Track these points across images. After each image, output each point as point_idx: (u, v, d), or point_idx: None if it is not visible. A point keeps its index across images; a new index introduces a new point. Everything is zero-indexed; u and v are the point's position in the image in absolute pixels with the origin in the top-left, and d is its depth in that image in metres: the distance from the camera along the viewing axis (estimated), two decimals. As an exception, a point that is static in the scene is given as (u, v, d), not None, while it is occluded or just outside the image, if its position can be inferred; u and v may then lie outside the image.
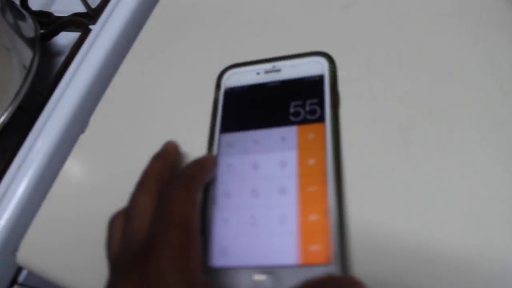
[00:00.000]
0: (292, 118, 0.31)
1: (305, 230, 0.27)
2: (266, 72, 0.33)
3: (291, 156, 0.29)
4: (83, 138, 0.38)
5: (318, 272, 0.25)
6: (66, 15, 0.53)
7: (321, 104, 0.31)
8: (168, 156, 0.31)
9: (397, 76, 0.32)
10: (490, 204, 0.26)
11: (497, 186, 0.26)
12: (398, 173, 0.28)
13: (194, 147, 0.33)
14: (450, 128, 0.29)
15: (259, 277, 0.26)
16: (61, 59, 0.49)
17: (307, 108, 0.31)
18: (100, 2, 0.51)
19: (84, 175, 0.36)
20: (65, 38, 0.52)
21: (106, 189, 0.34)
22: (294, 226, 0.27)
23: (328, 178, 0.28)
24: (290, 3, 0.39)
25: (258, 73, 0.34)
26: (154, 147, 0.31)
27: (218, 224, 0.29)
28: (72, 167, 0.37)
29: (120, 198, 0.29)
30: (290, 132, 0.30)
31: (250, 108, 0.32)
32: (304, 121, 0.30)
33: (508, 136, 0.27)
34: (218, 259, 0.27)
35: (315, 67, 0.32)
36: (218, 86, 0.34)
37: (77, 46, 0.47)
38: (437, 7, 0.33)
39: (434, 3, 0.34)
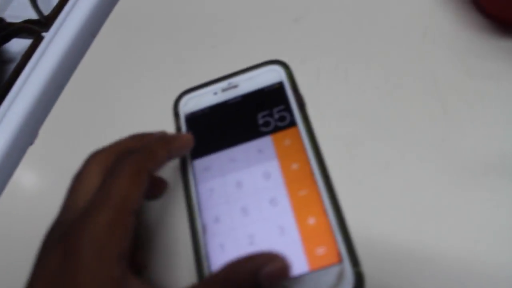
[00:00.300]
0: (263, 129, 0.30)
1: (307, 235, 0.26)
2: (223, 90, 0.33)
3: (273, 166, 0.29)
4: (31, 149, 0.37)
5: (332, 272, 0.25)
6: (18, 21, 0.50)
7: (288, 109, 0.30)
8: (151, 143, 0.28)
9: (344, 90, 0.32)
10: (429, 215, 0.26)
11: (436, 200, 0.27)
12: (341, 187, 0.28)
13: (165, 175, 0.31)
14: (393, 143, 0.29)
15: (275, 294, 0.25)
16: (12, 66, 0.46)
17: (276, 116, 0.30)
18: (53, 9, 0.49)
19: (32, 188, 0.35)
20: (17, 45, 0.49)
21: (55, 202, 0.32)
22: (295, 234, 0.26)
23: (316, 178, 0.27)
24: (243, 16, 0.39)
25: (215, 93, 0.33)
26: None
27: (215, 252, 0.27)
28: (20, 180, 0.36)
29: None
30: (265, 143, 0.30)
31: (217, 128, 0.31)
32: (277, 129, 0.30)
33: (448, 152, 0.28)
34: (225, 288, 0.26)
35: (272, 75, 0.32)
36: (176, 114, 0.33)
37: (28, 54, 0.45)
38: (384, 23, 0.34)
39: (381, 19, 0.35)
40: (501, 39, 0.31)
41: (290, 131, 0.30)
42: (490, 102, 0.29)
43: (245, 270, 0.23)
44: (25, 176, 0.36)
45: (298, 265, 0.25)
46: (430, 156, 0.28)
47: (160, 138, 0.28)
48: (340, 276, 0.25)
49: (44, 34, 0.48)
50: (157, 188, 0.30)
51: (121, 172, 0.24)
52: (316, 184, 0.27)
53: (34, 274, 0.23)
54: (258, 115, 0.31)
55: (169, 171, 0.32)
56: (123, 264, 0.22)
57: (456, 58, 0.31)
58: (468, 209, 0.26)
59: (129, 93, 0.37)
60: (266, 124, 0.30)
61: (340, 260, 0.25)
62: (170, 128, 0.33)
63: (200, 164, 0.30)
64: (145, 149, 0.26)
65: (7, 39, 0.50)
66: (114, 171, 0.24)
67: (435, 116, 0.29)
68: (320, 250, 0.25)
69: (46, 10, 0.49)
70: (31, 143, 0.37)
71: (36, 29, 0.48)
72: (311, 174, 0.28)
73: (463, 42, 0.32)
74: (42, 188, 0.35)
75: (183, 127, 0.32)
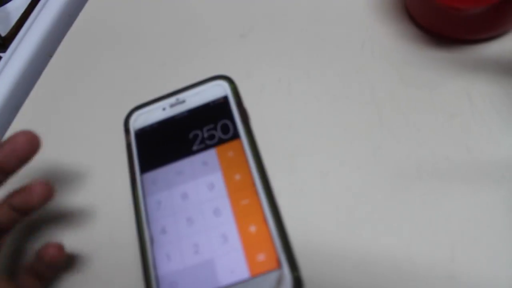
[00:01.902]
0: (208, 142, 0.31)
1: (248, 243, 0.27)
2: (171, 106, 0.34)
3: (217, 177, 0.30)
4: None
5: (272, 278, 0.26)
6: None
7: (232, 122, 0.32)
8: None
9: (287, 102, 0.33)
10: (366, 219, 0.28)
11: (372, 205, 0.28)
12: (282, 196, 0.29)
13: (116, 191, 0.33)
14: (332, 152, 0.31)
15: (216, 300, 0.26)
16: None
17: (220, 129, 0.32)
18: (10, 30, 0.50)
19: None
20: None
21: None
22: (237, 242, 0.27)
23: (257, 188, 0.29)
24: (192, 32, 0.40)
25: (164, 109, 0.34)
26: (65, 185, 0.31)
27: (162, 262, 0.28)
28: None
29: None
30: (210, 155, 0.31)
31: (164, 143, 0.33)
32: (221, 142, 0.31)
33: (384, 158, 0.30)
34: (171, 296, 0.27)
35: (217, 90, 0.34)
36: (127, 130, 0.34)
37: None
38: (324, 37, 0.36)
39: (322, 33, 0.36)
40: (434, 50, 0.33)
41: (233, 144, 0.31)
42: (423, 109, 0.31)
43: None
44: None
45: (240, 271, 0.26)
46: (366, 163, 0.30)
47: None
48: (279, 281, 0.26)
49: (2, 54, 0.48)
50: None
51: None
52: (257, 194, 0.29)
53: None
54: (203, 128, 0.32)
55: (119, 185, 0.33)
56: None
57: (392, 68, 0.33)
58: (403, 212, 0.27)
59: (83, 111, 0.38)
60: (211, 137, 0.31)
61: (279, 266, 0.26)
62: (121, 144, 0.34)
63: (149, 177, 0.31)
64: None
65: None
66: None
67: (371, 124, 0.31)
68: (261, 257, 0.27)
69: (4, 31, 0.50)
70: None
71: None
72: (253, 184, 0.29)
73: (399, 53, 0.33)
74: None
75: (133, 143, 0.33)
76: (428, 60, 0.32)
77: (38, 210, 0.28)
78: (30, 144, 0.28)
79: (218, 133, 0.32)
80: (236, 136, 0.31)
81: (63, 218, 0.33)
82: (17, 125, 0.40)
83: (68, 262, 0.31)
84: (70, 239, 0.32)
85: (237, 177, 0.29)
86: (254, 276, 0.26)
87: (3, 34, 0.49)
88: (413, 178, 0.28)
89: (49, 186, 0.28)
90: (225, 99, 0.33)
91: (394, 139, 0.30)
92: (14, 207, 0.27)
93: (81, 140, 0.37)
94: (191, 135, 0.32)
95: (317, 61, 0.35)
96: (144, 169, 0.32)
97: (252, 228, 0.28)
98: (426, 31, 0.34)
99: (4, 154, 0.27)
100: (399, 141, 0.30)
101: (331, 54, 0.35)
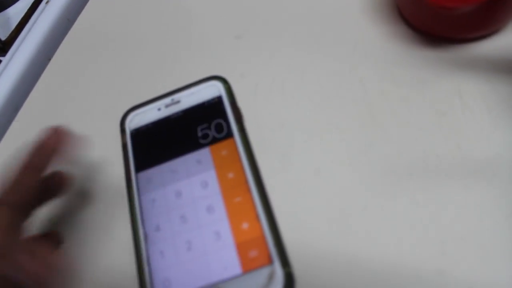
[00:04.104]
0: (202, 141, 0.32)
1: (241, 240, 0.28)
2: (167, 106, 0.34)
3: (210, 175, 0.30)
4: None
5: (263, 273, 0.26)
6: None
7: (226, 121, 0.32)
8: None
9: (280, 102, 0.34)
10: (357, 216, 0.28)
11: (364, 202, 0.28)
12: (274, 194, 0.30)
13: (112, 189, 0.33)
14: (324, 150, 0.31)
15: (209, 296, 0.26)
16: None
17: (214, 128, 0.32)
18: (10, 34, 0.51)
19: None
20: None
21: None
22: (230, 239, 0.28)
23: (250, 185, 0.29)
24: (188, 33, 0.41)
25: (159, 109, 0.34)
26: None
27: (155, 258, 0.28)
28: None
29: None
30: (204, 154, 0.31)
31: (159, 142, 0.33)
32: (214, 141, 0.32)
33: (375, 157, 0.30)
34: (164, 292, 0.27)
35: (212, 90, 0.34)
36: (123, 130, 0.35)
37: None
38: (318, 38, 0.36)
39: (314, 33, 0.37)
40: (425, 49, 0.33)
41: (227, 142, 0.31)
42: (414, 108, 0.31)
43: None
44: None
45: (232, 268, 0.27)
46: (358, 161, 0.30)
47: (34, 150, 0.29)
48: (271, 277, 0.26)
49: (1, 58, 0.49)
50: (56, 186, 0.31)
51: None
52: (250, 191, 0.29)
53: None
54: (198, 128, 0.33)
55: (114, 183, 0.33)
56: None
57: (384, 68, 0.33)
58: (394, 209, 0.28)
59: (80, 112, 0.39)
60: (205, 136, 0.32)
61: (270, 262, 0.26)
62: (117, 144, 0.35)
63: (144, 176, 0.32)
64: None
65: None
66: None
67: (363, 123, 0.31)
68: (253, 253, 0.27)
69: (4, 36, 0.50)
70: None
71: (-8, 53, 0.50)
72: (246, 182, 0.29)
73: (391, 52, 0.34)
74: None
75: (129, 143, 0.34)
76: (420, 59, 0.33)
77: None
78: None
79: (212, 132, 0.32)
80: (229, 135, 0.32)
81: (59, 215, 0.34)
82: (17, 125, 0.40)
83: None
84: (66, 236, 0.32)
85: (230, 175, 0.30)
86: (246, 272, 0.26)
87: (3, 38, 0.50)
88: (405, 175, 0.29)
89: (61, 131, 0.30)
90: (219, 99, 0.34)
91: (385, 138, 0.30)
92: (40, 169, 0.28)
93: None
94: (185, 135, 0.33)
95: (311, 61, 0.35)
96: (139, 168, 0.32)
97: (245, 225, 0.28)
98: (417, 30, 0.34)
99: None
100: (390, 139, 0.30)
101: (324, 54, 0.35)
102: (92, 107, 0.39)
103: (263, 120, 0.33)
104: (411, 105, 0.31)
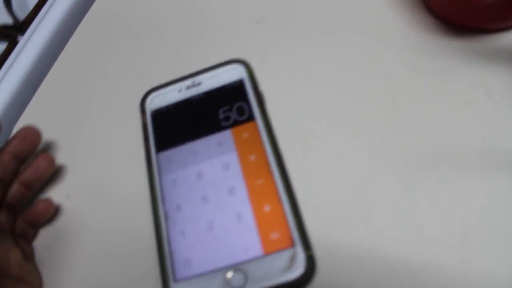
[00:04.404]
0: (223, 124, 0.32)
1: (262, 222, 0.27)
2: (188, 88, 0.34)
3: (232, 157, 0.30)
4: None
5: (285, 256, 0.26)
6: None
7: (248, 104, 0.32)
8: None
9: (302, 87, 0.34)
10: (379, 203, 0.28)
11: (386, 189, 0.28)
12: (296, 177, 0.30)
13: (132, 168, 0.33)
14: (347, 136, 0.31)
15: (229, 275, 0.26)
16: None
17: (236, 111, 0.32)
18: (28, 15, 0.50)
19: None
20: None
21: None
22: (251, 221, 0.28)
23: (272, 168, 0.29)
24: (208, 18, 0.41)
25: (180, 91, 0.34)
26: (82, 161, 0.32)
27: (176, 238, 0.28)
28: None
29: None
30: (225, 136, 0.31)
31: (180, 123, 0.33)
32: (236, 123, 0.31)
33: (399, 143, 0.30)
34: (184, 271, 0.27)
35: (234, 73, 0.34)
36: (143, 111, 0.35)
37: (3, 57, 0.46)
38: (340, 24, 0.36)
39: (338, 20, 0.36)
40: (449, 39, 0.33)
41: (248, 125, 0.31)
42: (438, 97, 0.31)
43: None
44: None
45: (253, 249, 0.27)
46: (381, 149, 0.30)
47: None
48: (293, 259, 0.26)
49: (19, 38, 0.49)
50: (40, 216, 0.33)
51: None
52: (272, 174, 0.29)
53: None
54: (219, 110, 0.32)
55: (135, 162, 0.33)
56: None
57: (407, 56, 0.33)
58: (415, 197, 0.28)
59: (100, 93, 0.39)
60: (226, 118, 0.32)
61: (292, 245, 0.26)
62: (137, 125, 0.35)
63: (164, 156, 0.32)
64: None
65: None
66: None
67: (386, 111, 0.31)
68: (274, 235, 0.27)
69: (22, 16, 0.50)
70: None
71: (10, 33, 0.49)
72: (268, 164, 0.29)
73: (414, 41, 0.33)
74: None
75: (149, 123, 0.34)
76: (444, 49, 0.33)
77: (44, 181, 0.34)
78: (51, 166, 0.34)
79: (234, 115, 0.32)
80: (251, 118, 0.31)
81: (81, 194, 0.34)
82: (36, 104, 0.41)
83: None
84: (87, 214, 0.33)
85: (252, 157, 0.30)
86: (267, 254, 0.26)
87: (21, 19, 0.50)
88: (428, 164, 0.28)
89: (51, 158, 0.34)
90: (241, 82, 0.33)
91: (409, 126, 0.30)
92: (25, 183, 0.32)
93: (98, 120, 0.37)
94: (206, 117, 0.32)
95: (333, 47, 0.35)
96: (160, 148, 0.32)
97: (266, 207, 0.28)
98: (441, 19, 0.34)
99: (30, 176, 0.33)
100: (414, 128, 0.30)
101: (347, 41, 0.35)
102: (111, 88, 0.39)
103: (284, 105, 0.33)
104: (435, 94, 0.31)
